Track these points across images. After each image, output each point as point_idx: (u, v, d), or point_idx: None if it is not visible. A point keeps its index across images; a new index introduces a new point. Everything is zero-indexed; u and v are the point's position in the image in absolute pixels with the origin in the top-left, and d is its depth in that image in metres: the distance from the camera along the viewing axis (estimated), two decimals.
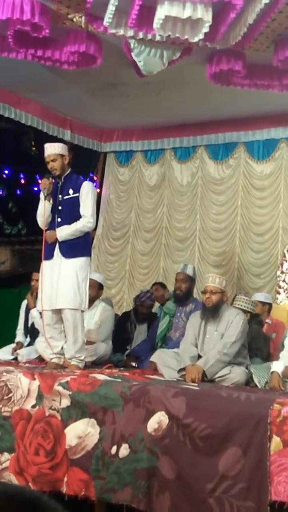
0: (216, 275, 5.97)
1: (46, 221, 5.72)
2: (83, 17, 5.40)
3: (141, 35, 5.28)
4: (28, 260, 11.47)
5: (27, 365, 6.07)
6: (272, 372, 5.16)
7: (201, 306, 6.23)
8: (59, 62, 5.99)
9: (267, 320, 6.83)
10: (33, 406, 4.80)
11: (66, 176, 5.81)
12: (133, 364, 6.64)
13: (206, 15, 4.75)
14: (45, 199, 5.71)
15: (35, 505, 1.20)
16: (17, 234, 12.60)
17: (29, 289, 7.20)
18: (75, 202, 5.71)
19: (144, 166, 9.29)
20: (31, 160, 11.41)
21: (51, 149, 5.80)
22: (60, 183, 5.79)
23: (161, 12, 4.73)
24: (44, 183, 5.73)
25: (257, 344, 6.14)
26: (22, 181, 12.19)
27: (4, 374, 5.04)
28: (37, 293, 6.93)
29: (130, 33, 5.28)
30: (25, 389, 4.87)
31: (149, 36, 5.30)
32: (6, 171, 12.19)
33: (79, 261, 5.65)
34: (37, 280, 6.89)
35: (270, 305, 7.05)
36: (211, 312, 5.57)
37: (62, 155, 5.77)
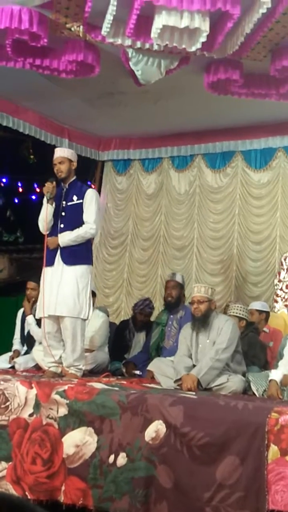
0: (201, 284, 6.00)
1: (47, 225, 5.71)
2: (81, 26, 5.42)
3: (139, 44, 5.30)
4: (26, 269, 11.47)
5: (24, 373, 6.06)
6: (270, 380, 5.16)
7: (190, 312, 6.25)
8: (57, 71, 6.01)
9: (264, 329, 6.83)
10: (31, 415, 4.79)
11: (71, 183, 5.81)
12: (137, 372, 6.61)
13: (203, 25, 4.77)
14: (47, 202, 5.71)
15: (21, 509, 1.22)
16: (15, 243, 12.61)
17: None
18: (79, 208, 5.71)
19: (142, 174, 9.30)
20: (29, 168, 11.43)
21: (61, 152, 5.83)
22: (65, 189, 5.79)
23: (159, 21, 4.75)
24: (48, 187, 5.72)
25: (253, 351, 6.14)
26: (20, 190, 12.20)
27: (1, 382, 5.03)
28: (33, 301, 6.95)
29: (128, 42, 5.30)
30: (22, 398, 4.86)
31: (147, 46, 5.32)
32: (4, 180, 12.20)
33: (80, 269, 5.64)
34: (32, 289, 6.90)
35: (267, 313, 7.05)
36: (201, 321, 5.58)
37: (70, 160, 5.78)
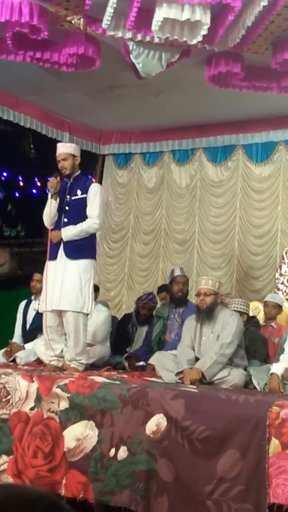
0: (208, 277, 5.97)
1: (52, 220, 5.70)
2: (81, 19, 5.41)
3: (139, 37, 5.29)
4: (27, 263, 11.46)
5: (25, 367, 6.06)
6: (272, 373, 5.16)
7: (192, 306, 6.24)
8: (58, 64, 6.00)
9: (272, 324, 6.79)
10: (32, 409, 4.79)
11: (75, 177, 5.79)
12: (141, 363, 6.58)
13: (204, 18, 4.76)
14: (51, 197, 5.70)
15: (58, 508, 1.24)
16: (16, 237, 12.60)
17: (28, 291, 7.18)
18: (83, 203, 5.70)
19: (143, 168, 9.29)
20: (30, 162, 11.42)
21: (63, 148, 5.78)
22: (69, 183, 5.78)
23: (160, 14, 4.74)
24: (52, 182, 5.71)
25: (254, 346, 6.13)
26: (21, 184, 12.18)
27: (3, 376, 5.02)
28: (36, 293, 6.94)
29: (129, 35, 5.28)
30: (24, 392, 4.86)
31: (148, 38, 5.30)
32: (4, 174, 12.18)
33: (83, 263, 5.63)
34: (38, 281, 6.89)
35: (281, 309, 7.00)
36: (206, 314, 5.57)
37: (73, 156, 5.76)
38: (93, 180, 9.27)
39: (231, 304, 6.52)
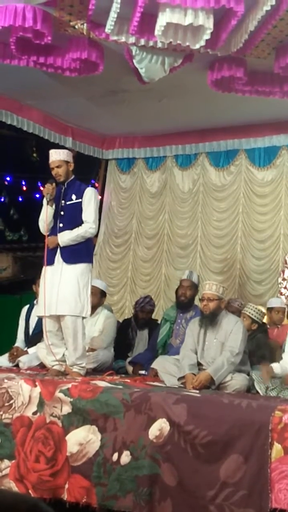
0: (213, 282, 5.96)
1: (48, 226, 5.72)
2: (85, 24, 5.42)
3: (142, 42, 5.29)
4: (30, 267, 11.48)
5: (28, 372, 6.06)
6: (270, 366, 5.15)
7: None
8: (61, 69, 6.01)
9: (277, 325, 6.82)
10: (34, 413, 4.79)
11: (70, 182, 5.81)
12: (143, 372, 6.57)
13: (207, 22, 4.76)
14: (47, 204, 5.71)
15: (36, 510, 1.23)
16: (19, 241, 12.62)
17: (31, 296, 7.17)
18: (78, 207, 5.71)
19: (146, 173, 9.30)
20: (33, 167, 11.44)
21: (57, 155, 5.80)
22: (63, 188, 5.79)
23: (163, 19, 4.74)
24: (47, 188, 5.73)
25: (261, 352, 6.11)
26: (24, 188, 12.21)
27: (5, 381, 5.02)
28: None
29: (132, 40, 5.29)
30: (26, 396, 4.86)
31: (151, 43, 5.31)
32: (8, 178, 12.21)
33: (80, 267, 5.64)
34: None
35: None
36: (209, 319, 5.57)
37: (67, 162, 5.78)
38: (96, 184, 9.29)
39: (246, 307, 6.46)
